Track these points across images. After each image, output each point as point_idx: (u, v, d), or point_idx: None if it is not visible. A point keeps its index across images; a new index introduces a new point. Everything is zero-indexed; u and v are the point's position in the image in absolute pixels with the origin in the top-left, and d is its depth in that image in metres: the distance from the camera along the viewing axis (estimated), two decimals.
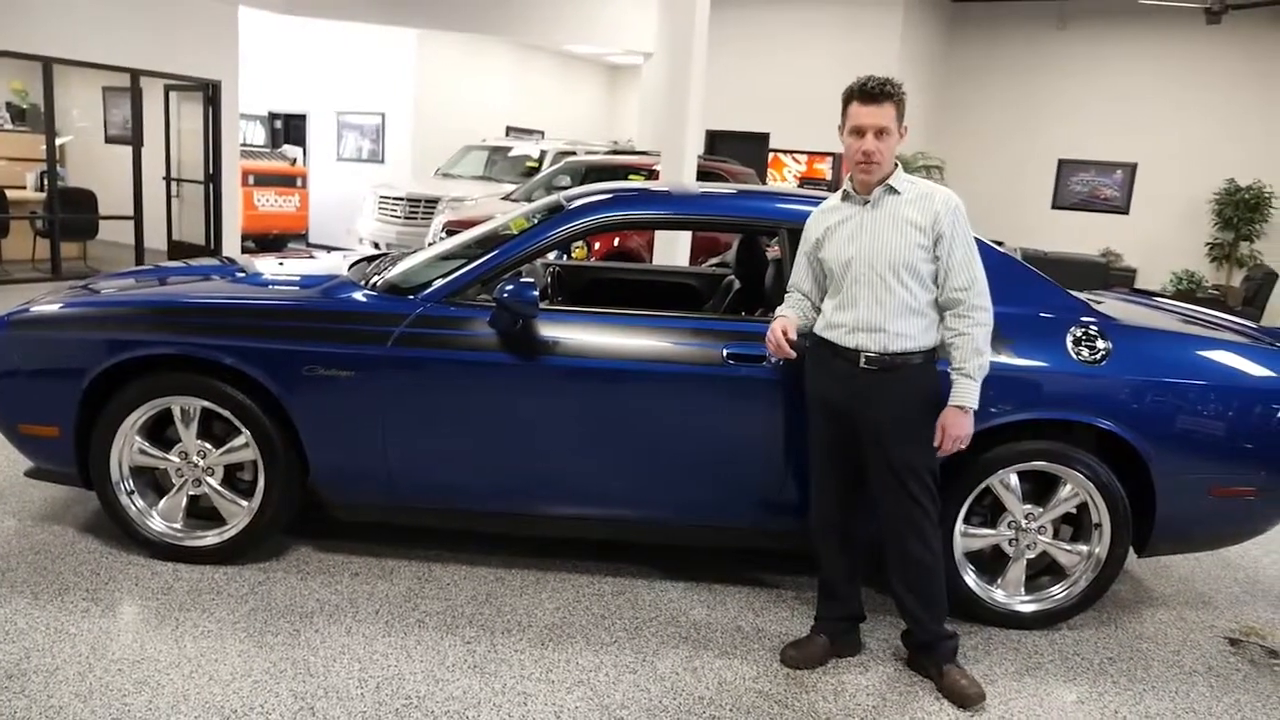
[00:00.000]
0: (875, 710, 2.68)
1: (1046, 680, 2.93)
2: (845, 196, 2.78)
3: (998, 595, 3.21)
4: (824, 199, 3.00)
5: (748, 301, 3.93)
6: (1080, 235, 12.92)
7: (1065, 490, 3.12)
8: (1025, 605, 3.22)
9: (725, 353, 3.04)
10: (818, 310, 2.87)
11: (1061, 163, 13.31)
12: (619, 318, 3.15)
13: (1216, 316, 3.75)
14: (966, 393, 2.63)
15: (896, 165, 2.73)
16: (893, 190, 2.69)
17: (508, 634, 2.94)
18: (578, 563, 3.45)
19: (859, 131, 2.65)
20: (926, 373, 2.71)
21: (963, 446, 2.68)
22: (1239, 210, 12.26)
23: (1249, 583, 3.82)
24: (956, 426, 2.65)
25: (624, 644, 2.94)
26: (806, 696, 2.72)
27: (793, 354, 2.74)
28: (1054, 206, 13.49)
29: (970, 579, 3.18)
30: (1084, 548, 3.18)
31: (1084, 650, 3.14)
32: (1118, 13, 12.90)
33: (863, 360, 2.67)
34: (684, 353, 3.06)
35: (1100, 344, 3.08)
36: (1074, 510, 3.17)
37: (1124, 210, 13.15)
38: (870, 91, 2.63)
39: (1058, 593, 3.23)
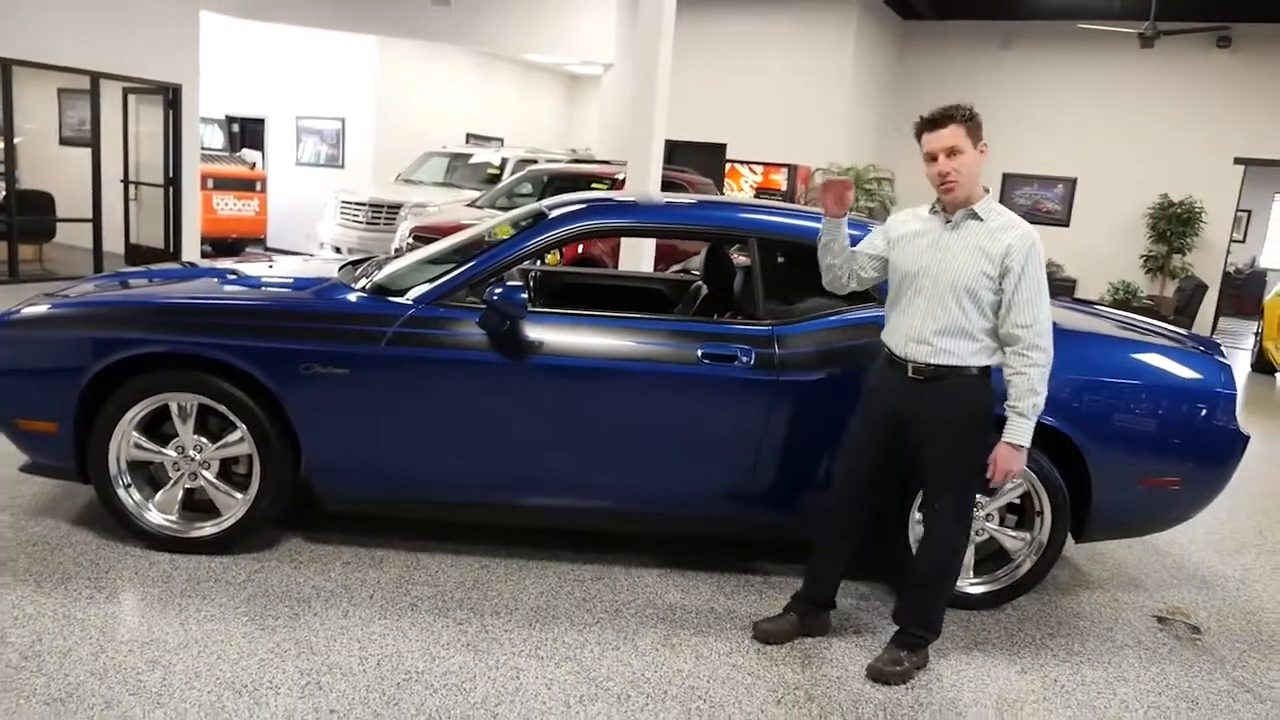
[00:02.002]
0: (839, 680, 2.92)
1: (993, 654, 3.19)
2: (933, 210, 2.90)
3: None
4: (788, 209, 3.22)
5: (715, 306, 4.16)
6: None
7: (1010, 481, 3.38)
8: (974, 587, 3.48)
9: (700, 352, 3.26)
10: (850, 271, 3.02)
11: (1006, 176, 13.84)
12: (601, 319, 3.35)
13: (1150, 323, 4.06)
14: (1021, 431, 2.74)
15: (987, 192, 2.84)
16: (975, 216, 2.79)
17: (496, 616, 3.12)
18: (558, 551, 3.64)
19: (931, 157, 2.77)
20: (977, 388, 2.82)
21: (1014, 480, 2.84)
22: (1172, 225, 12.88)
23: (1175, 568, 4.14)
24: (1008, 462, 2.76)
25: (606, 624, 3.14)
26: (776, 669, 2.95)
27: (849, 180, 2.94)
28: None
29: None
30: (1027, 534, 3.45)
31: (1027, 627, 3.41)
32: (1057, 35, 13.47)
33: (910, 370, 2.82)
34: (662, 352, 3.27)
35: None
36: (1018, 500, 3.44)
37: (1065, 223, 13.72)
38: (933, 119, 2.77)
39: (1003, 575, 3.50)
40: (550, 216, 3.51)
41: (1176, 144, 13.06)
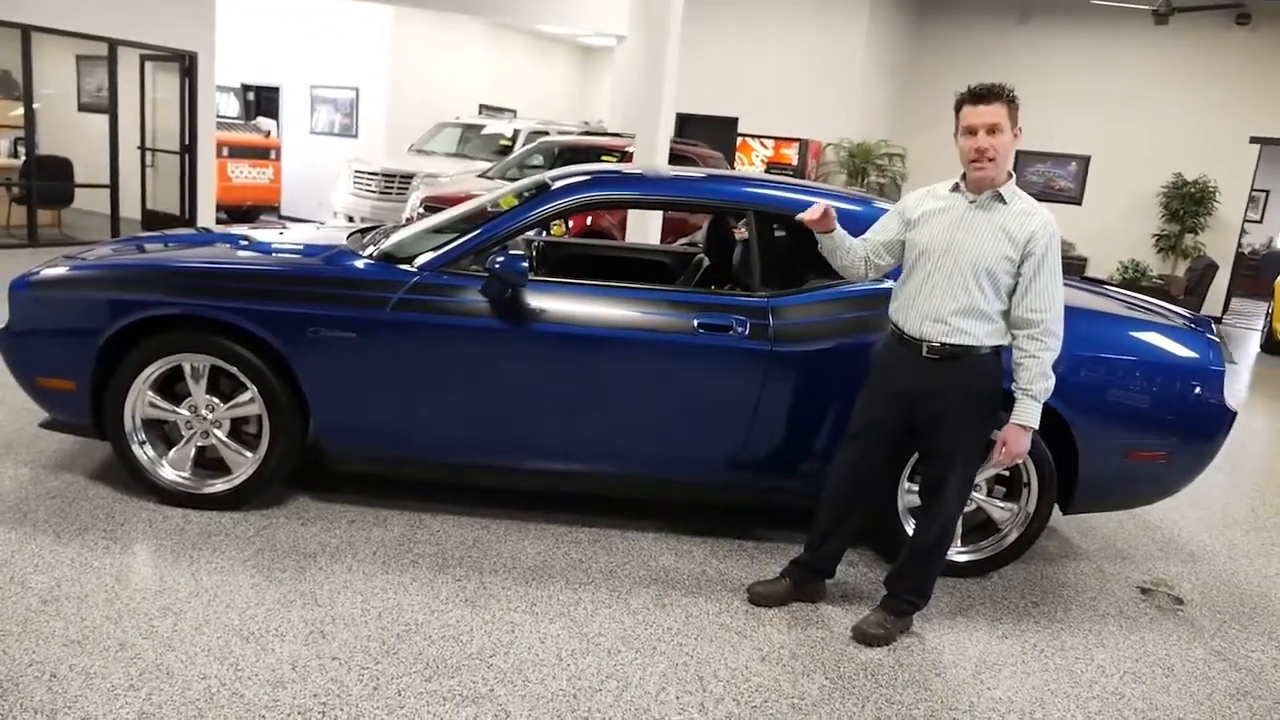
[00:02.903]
0: (823, 641, 3.02)
1: (976, 619, 3.29)
2: (955, 188, 2.90)
3: None
4: (792, 184, 3.28)
5: (716, 278, 4.24)
6: None
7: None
8: (961, 555, 3.57)
9: (696, 322, 3.34)
10: (865, 262, 3.02)
11: (1019, 153, 13.78)
12: (601, 289, 3.44)
13: (1155, 303, 4.11)
14: (1030, 413, 2.78)
15: (1011, 177, 2.84)
16: (1000, 198, 2.80)
17: (495, 574, 3.24)
18: (556, 514, 3.75)
19: (971, 130, 2.76)
20: (990, 368, 2.85)
21: (1018, 461, 2.89)
22: (1185, 204, 12.82)
23: (1164, 542, 4.22)
24: (1017, 443, 2.81)
25: (600, 584, 3.25)
26: (763, 629, 3.06)
27: (818, 213, 2.89)
28: None
29: (911, 531, 3.52)
30: (1014, 505, 3.53)
31: (1011, 595, 3.51)
32: (1073, 10, 13.34)
33: (925, 349, 2.84)
34: (659, 322, 3.35)
35: None
36: (1006, 471, 3.52)
37: (1078, 201, 13.67)
38: (978, 92, 2.77)
39: (988, 545, 3.58)
40: (553, 188, 3.59)
41: (1192, 122, 12.96)
